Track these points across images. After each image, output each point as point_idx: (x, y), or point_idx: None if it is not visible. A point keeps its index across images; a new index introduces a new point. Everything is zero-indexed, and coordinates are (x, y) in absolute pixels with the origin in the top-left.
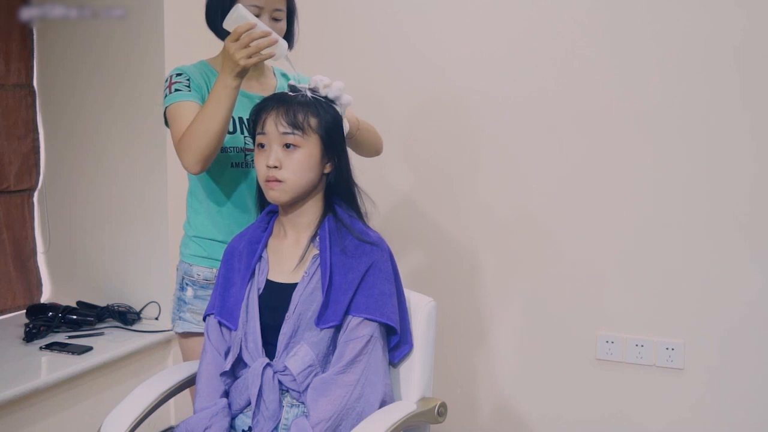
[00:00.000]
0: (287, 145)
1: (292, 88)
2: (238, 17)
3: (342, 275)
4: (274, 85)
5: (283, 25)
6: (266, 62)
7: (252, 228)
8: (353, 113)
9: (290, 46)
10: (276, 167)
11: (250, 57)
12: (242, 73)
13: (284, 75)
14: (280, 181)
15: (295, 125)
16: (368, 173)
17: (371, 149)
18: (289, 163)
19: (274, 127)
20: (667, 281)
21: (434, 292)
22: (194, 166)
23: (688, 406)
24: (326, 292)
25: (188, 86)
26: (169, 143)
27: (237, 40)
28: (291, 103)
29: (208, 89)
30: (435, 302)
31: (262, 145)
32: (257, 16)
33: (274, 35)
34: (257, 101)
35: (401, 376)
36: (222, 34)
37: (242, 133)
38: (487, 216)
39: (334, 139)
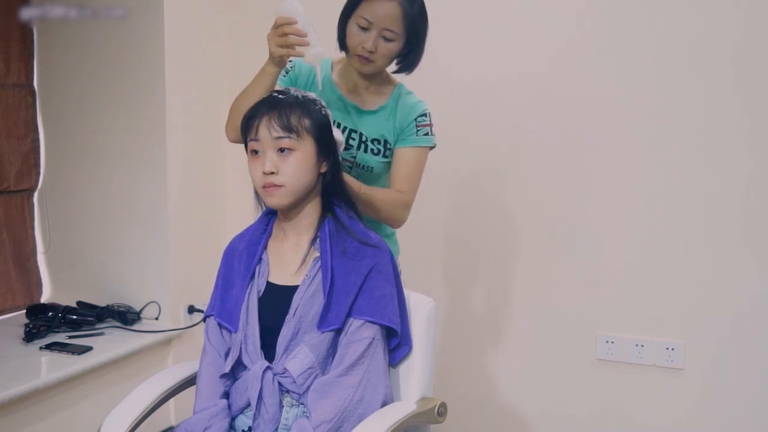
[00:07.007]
0: (281, 150)
1: (279, 91)
2: (286, 8)
3: (343, 278)
4: (381, 102)
5: (392, 46)
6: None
7: (251, 229)
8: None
9: (408, 70)
10: (273, 173)
11: (281, 47)
12: (278, 62)
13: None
14: (278, 186)
15: (289, 129)
16: None
17: (379, 217)
18: (285, 167)
19: (267, 132)
20: (667, 281)
21: (434, 292)
22: (228, 134)
23: (688, 406)
24: (327, 294)
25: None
26: (168, 144)
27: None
28: (282, 106)
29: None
30: (435, 302)
31: (255, 152)
32: (366, 29)
33: (311, 38)
34: (350, 108)
35: (401, 376)
36: (341, 35)
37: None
38: (487, 216)
39: (327, 137)
